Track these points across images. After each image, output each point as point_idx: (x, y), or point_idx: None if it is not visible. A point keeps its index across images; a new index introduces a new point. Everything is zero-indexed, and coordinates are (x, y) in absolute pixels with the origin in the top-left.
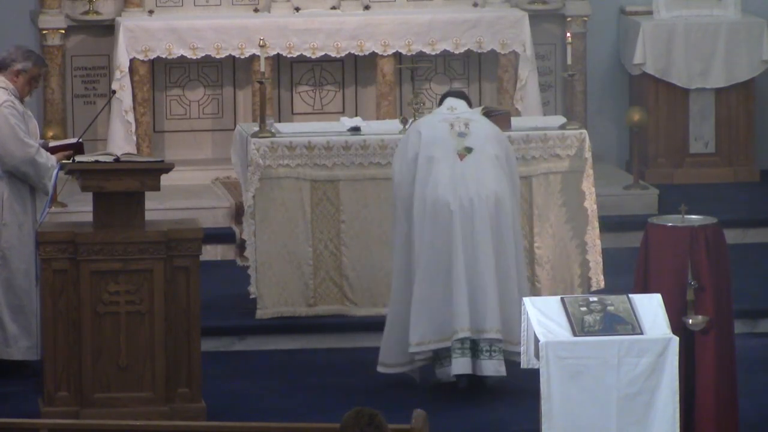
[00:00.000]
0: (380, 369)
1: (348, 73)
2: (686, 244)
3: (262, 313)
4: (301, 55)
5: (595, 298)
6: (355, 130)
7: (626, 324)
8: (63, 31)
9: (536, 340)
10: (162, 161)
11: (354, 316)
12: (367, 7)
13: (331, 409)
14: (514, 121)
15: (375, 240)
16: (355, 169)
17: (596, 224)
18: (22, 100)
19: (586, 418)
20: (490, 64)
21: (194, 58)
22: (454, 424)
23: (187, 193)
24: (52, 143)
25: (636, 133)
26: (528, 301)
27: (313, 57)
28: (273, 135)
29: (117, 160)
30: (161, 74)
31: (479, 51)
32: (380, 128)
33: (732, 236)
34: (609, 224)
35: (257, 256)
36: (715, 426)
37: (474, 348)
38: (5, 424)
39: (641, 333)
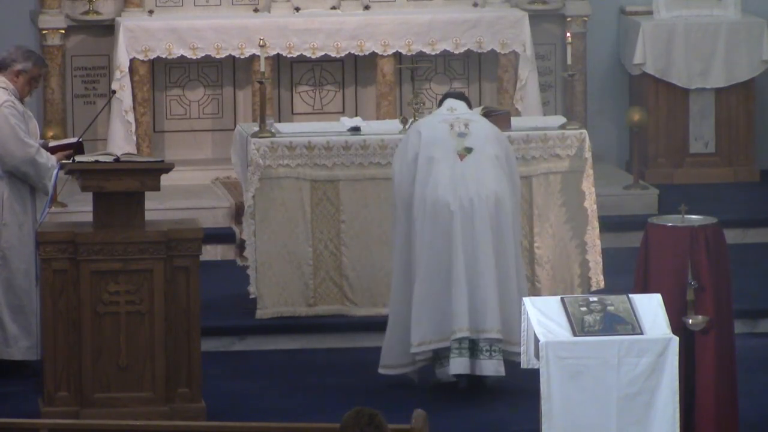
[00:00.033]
0: (382, 371)
1: (348, 73)
2: (686, 244)
3: (262, 313)
4: (301, 55)
5: (595, 298)
6: (355, 130)
7: (626, 324)
8: (63, 31)
9: (536, 340)
10: (162, 161)
11: (354, 316)
12: (367, 7)
13: (331, 409)
14: (514, 121)
15: (375, 240)
16: (355, 169)
17: (596, 224)
18: (22, 100)
19: (586, 418)
20: (490, 64)
21: (194, 58)
22: (454, 424)
23: (187, 193)
24: (52, 143)
25: (636, 133)
26: (528, 301)
27: (313, 57)
28: (273, 135)
29: (117, 160)
30: (161, 74)
31: (479, 51)
32: (380, 128)
33: (732, 236)
34: (609, 224)
35: (257, 256)
36: (715, 426)
37: (473, 348)
38: (5, 424)
39: (641, 333)
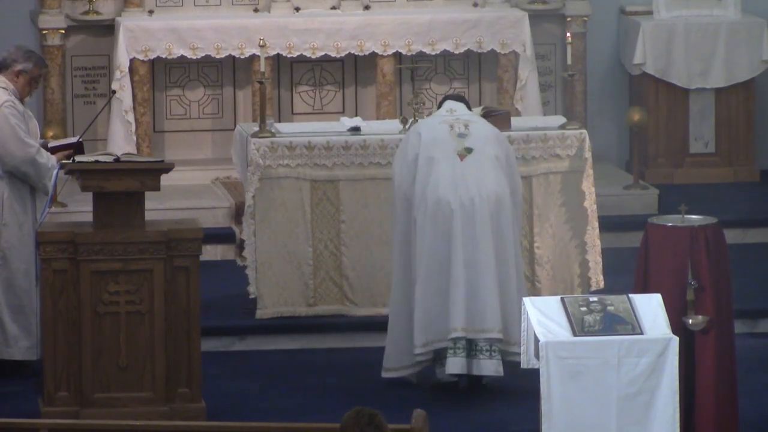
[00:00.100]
0: (385, 374)
1: (348, 73)
2: (686, 244)
3: (262, 313)
4: (301, 55)
5: (595, 298)
6: (355, 130)
7: (626, 324)
8: (63, 31)
9: (536, 340)
10: (162, 161)
11: (354, 316)
12: (367, 7)
13: (331, 409)
14: (514, 121)
15: (375, 240)
16: (355, 169)
17: (596, 224)
18: (22, 101)
19: (586, 418)
20: (490, 64)
21: (194, 58)
22: (454, 424)
23: (187, 193)
24: (52, 143)
25: (636, 133)
26: (528, 301)
27: (313, 57)
28: (273, 135)
29: (117, 160)
30: (161, 74)
31: (479, 51)
32: (380, 128)
33: (732, 236)
34: (609, 224)
35: (257, 256)
36: (715, 426)
37: (469, 348)
38: (5, 424)
39: (641, 333)
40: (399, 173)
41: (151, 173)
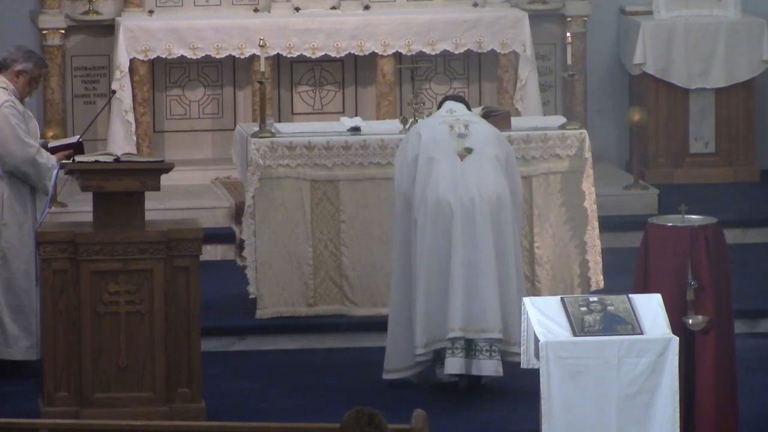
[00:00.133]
0: (386, 376)
1: (348, 73)
2: (686, 244)
3: (262, 313)
4: (301, 55)
5: (595, 298)
6: (355, 130)
7: (626, 324)
8: (63, 31)
9: (536, 340)
10: (162, 161)
11: (354, 316)
12: (367, 7)
13: (331, 409)
14: (514, 121)
15: (375, 240)
16: (355, 169)
17: (596, 224)
18: (22, 101)
19: (586, 418)
20: (490, 64)
21: (194, 58)
22: (454, 424)
23: (187, 193)
24: (52, 143)
25: (636, 133)
26: (528, 301)
27: (313, 57)
28: (273, 135)
29: (117, 160)
30: (161, 74)
31: (479, 51)
32: (380, 128)
33: (732, 236)
34: (609, 224)
35: (257, 256)
36: (715, 426)
37: (468, 348)
38: (5, 424)
39: (641, 333)
40: (399, 173)
41: (151, 173)
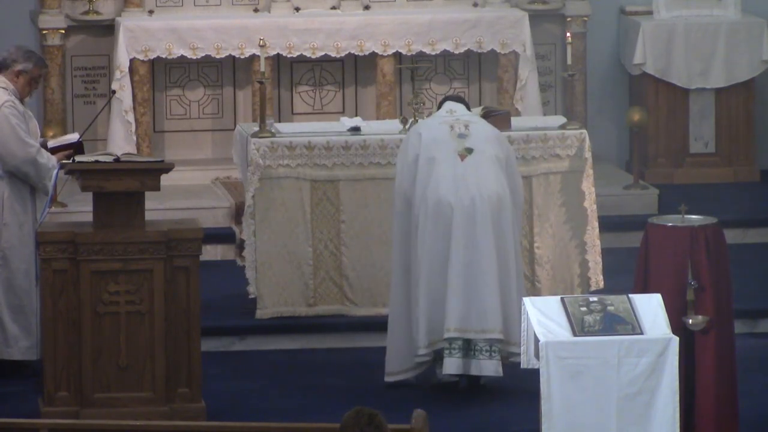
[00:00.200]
0: (388, 379)
1: (348, 73)
2: (686, 244)
3: (262, 313)
4: (301, 55)
5: (595, 298)
6: (355, 130)
7: (626, 324)
8: (63, 31)
9: (536, 340)
10: (162, 161)
11: (354, 316)
12: (367, 7)
13: (331, 409)
14: (514, 121)
15: (375, 240)
16: (355, 169)
17: (596, 224)
18: (22, 101)
19: (586, 418)
20: (490, 64)
21: (194, 58)
22: (454, 424)
23: (187, 193)
24: (51, 142)
25: (636, 133)
26: (528, 301)
27: (313, 57)
28: (273, 135)
29: (117, 160)
30: (161, 74)
31: (479, 51)
32: (380, 128)
33: (732, 236)
34: (609, 224)
35: (257, 256)
36: (715, 426)
37: (466, 348)
38: (5, 424)
39: (641, 333)
40: (399, 173)
41: (151, 173)
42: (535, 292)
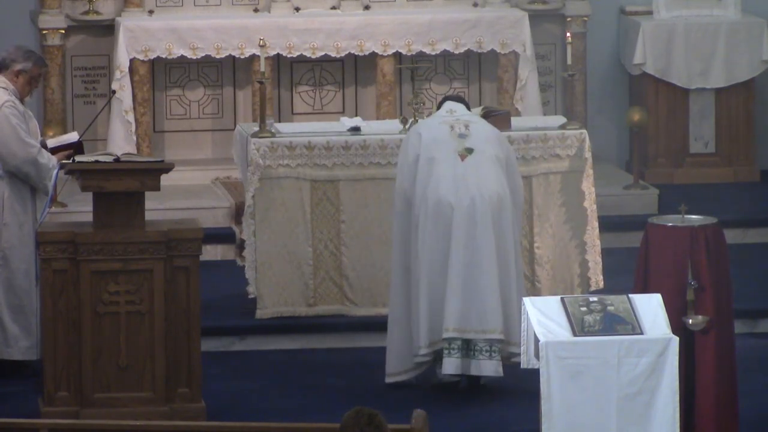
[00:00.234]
0: (389, 380)
1: (348, 73)
2: (686, 244)
3: (262, 313)
4: (301, 55)
5: (595, 298)
6: (355, 130)
7: (626, 324)
8: (63, 31)
9: (536, 340)
10: (162, 161)
11: (354, 316)
12: (367, 7)
13: (331, 409)
14: (514, 121)
15: (375, 240)
16: (355, 169)
17: (596, 224)
18: (22, 100)
19: (586, 418)
20: (490, 64)
21: (194, 58)
22: (454, 424)
23: (187, 193)
24: (51, 142)
25: (636, 133)
26: (528, 301)
27: (313, 57)
28: (273, 135)
29: (117, 160)
30: (161, 74)
31: (479, 51)
32: (380, 128)
33: (732, 236)
34: (609, 224)
35: (257, 256)
36: (715, 426)
37: (466, 348)
38: (5, 424)
39: (641, 333)
40: (400, 173)
41: (151, 173)
42: (535, 292)
